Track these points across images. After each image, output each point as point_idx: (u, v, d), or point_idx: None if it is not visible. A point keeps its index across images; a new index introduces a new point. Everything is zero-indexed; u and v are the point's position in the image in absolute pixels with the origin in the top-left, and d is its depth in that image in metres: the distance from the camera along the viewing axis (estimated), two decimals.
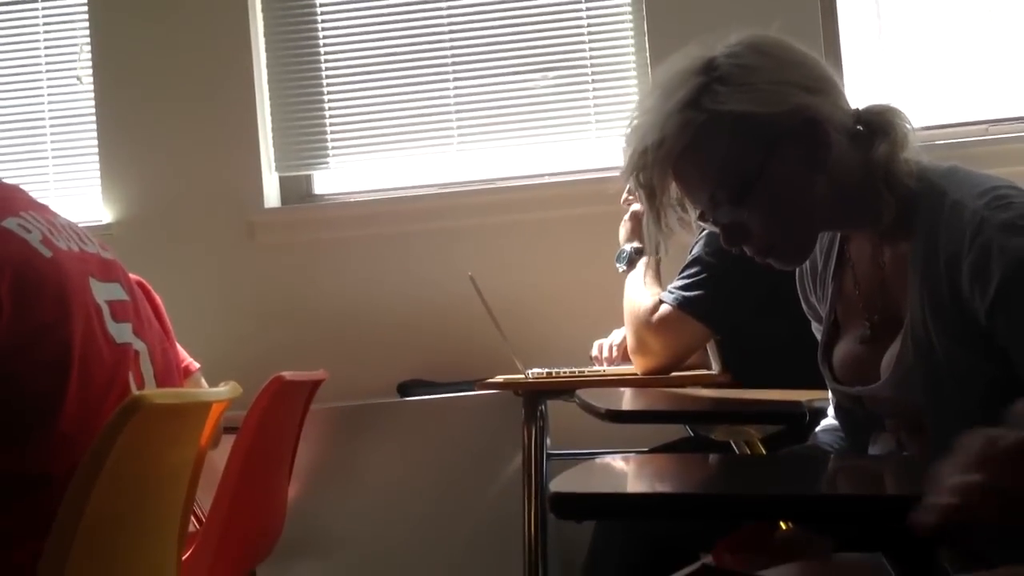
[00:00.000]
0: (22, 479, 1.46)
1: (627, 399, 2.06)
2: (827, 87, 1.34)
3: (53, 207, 1.73)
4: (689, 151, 1.32)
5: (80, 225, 1.74)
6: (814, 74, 1.34)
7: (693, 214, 1.39)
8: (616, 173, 1.46)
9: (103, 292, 1.63)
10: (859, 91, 3.33)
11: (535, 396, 2.60)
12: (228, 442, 2.33)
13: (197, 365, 2.40)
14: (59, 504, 1.35)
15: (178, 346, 2.20)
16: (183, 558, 1.84)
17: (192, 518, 1.98)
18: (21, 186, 1.70)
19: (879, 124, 1.34)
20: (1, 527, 1.45)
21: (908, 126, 1.34)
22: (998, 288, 1.17)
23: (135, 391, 1.58)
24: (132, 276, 1.81)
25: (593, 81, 3.40)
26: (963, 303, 1.21)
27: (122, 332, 1.63)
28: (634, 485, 1.12)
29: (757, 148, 1.30)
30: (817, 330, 1.55)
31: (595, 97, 3.40)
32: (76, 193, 3.54)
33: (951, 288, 1.22)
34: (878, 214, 1.33)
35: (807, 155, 1.31)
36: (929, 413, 1.28)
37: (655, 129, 1.31)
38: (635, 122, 1.36)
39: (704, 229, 1.48)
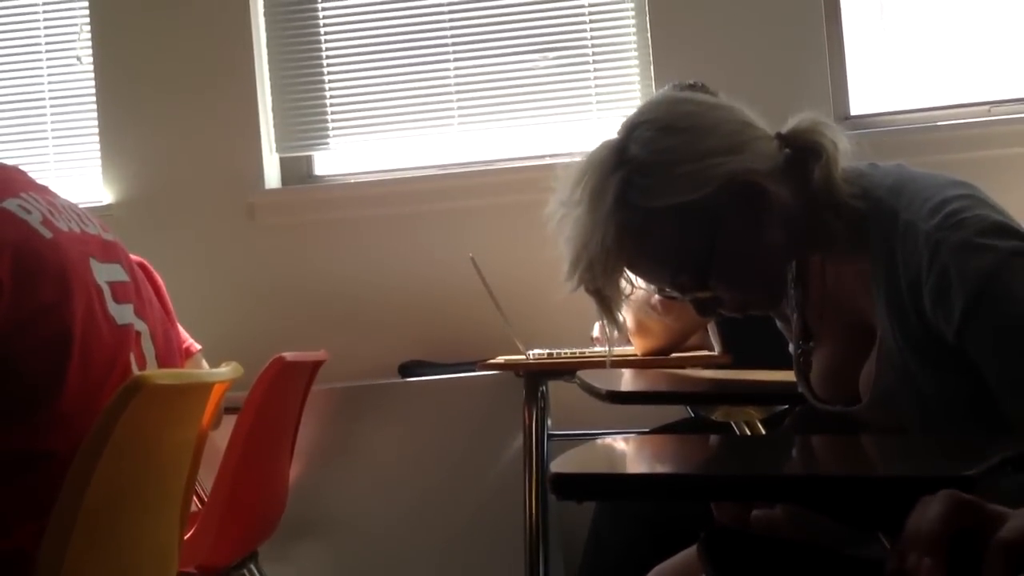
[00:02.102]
0: (22, 457, 1.46)
1: (628, 380, 2.06)
2: (746, 136, 1.30)
3: (53, 188, 1.72)
4: (635, 253, 1.31)
5: (80, 206, 1.74)
6: (730, 129, 1.30)
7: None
8: None
9: (104, 273, 1.62)
10: (862, 72, 3.32)
11: (536, 377, 2.60)
12: (229, 423, 2.33)
13: (198, 346, 2.40)
14: (60, 483, 1.36)
15: (179, 327, 2.19)
16: (185, 538, 1.84)
17: (194, 498, 1.98)
18: (21, 167, 1.70)
19: (806, 146, 1.31)
20: (1, 506, 1.46)
21: (833, 138, 1.30)
22: (963, 314, 1.15)
23: (136, 372, 1.58)
24: (133, 257, 1.81)
25: (594, 60, 3.39)
26: (930, 326, 1.19)
27: (123, 313, 1.63)
28: (634, 466, 1.12)
29: (702, 230, 1.28)
30: (784, 329, 1.54)
31: (596, 77, 3.39)
32: (76, 174, 3.54)
33: (916, 312, 1.20)
34: (830, 241, 1.31)
35: (751, 217, 1.29)
36: (917, 429, 1.26)
37: (595, 242, 1.29)
38: (566, 229, 1.33)
39: None
